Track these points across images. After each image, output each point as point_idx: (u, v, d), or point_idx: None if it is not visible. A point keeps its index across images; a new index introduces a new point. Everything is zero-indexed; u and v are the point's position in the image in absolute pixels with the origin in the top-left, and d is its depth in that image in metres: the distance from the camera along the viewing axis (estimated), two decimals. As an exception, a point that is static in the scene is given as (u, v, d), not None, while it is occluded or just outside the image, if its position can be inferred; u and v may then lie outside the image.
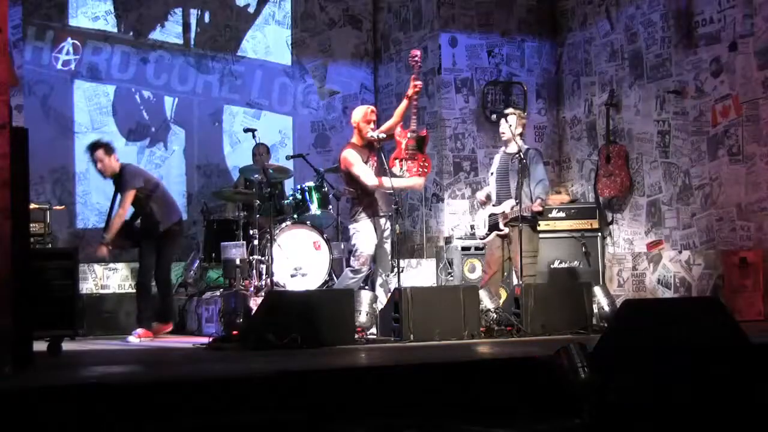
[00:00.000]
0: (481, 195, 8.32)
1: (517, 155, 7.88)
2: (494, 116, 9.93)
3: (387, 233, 7.86)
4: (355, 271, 7.74)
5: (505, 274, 8.18)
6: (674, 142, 9.26)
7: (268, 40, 11.08)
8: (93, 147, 8.19)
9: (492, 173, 8.23)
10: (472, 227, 9.33)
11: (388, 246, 7.89)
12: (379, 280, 7.87)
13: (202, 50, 10.75)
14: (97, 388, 4.37)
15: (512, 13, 10.59)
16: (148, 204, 8.16)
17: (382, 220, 7.83)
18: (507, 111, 8.25)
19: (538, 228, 8.12)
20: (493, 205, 8.09)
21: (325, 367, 5.08)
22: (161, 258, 8.24)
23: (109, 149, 8.15)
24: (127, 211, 8.09)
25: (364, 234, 7.75)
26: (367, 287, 7.92)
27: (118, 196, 8.07)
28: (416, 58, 7.82)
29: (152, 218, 8.16)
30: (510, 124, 8.00)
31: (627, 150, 9.70)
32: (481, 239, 8.28)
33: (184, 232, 8.91)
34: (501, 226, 7.95)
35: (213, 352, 6.56)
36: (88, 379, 4.81)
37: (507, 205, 7.93)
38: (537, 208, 7.85)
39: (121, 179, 8.11)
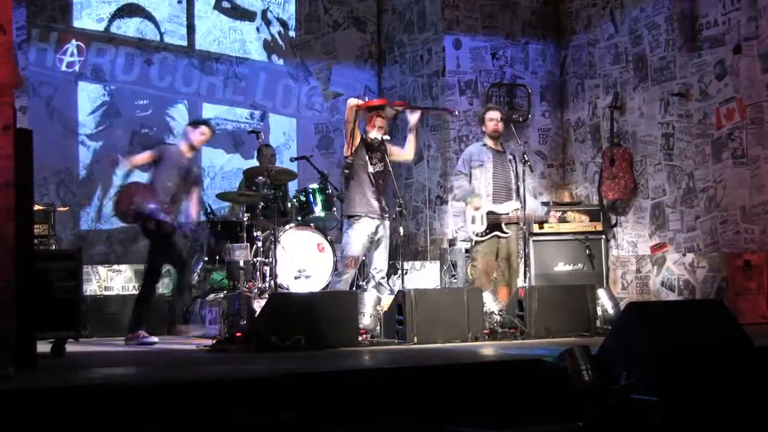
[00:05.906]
0: (476, 202, 8.01)
1: (512, 155, 8.05)
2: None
3: (380, 237, 7.79)
4: (339, 273, 7.69)
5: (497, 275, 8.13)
6: (678, 144, 9.25)
7: (272, 42, 11.08)
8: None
9: (487, 169, 8.08)
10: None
11: (383, 249, 7.81)
12: (372, 283, 7.75)
13: (206, 52, 10.75)
14: (100, 389, 4.37)
15: (516, 15, 10.58)
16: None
17: (375, 222, 7.77)
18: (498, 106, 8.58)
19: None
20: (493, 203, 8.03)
21: (329, 369, 5.07)
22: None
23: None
24: None
25: (353, 234, 7.72)
26: (362, 290, 7.84)
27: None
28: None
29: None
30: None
31: (631, 152, 9.69)
32: (477, 236, 7.98)
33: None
34: (504, 228, 7.95)
35: (216, 353, 6.56)
36: (91, 381, 4.81)
37: (510, 207, 7.93)
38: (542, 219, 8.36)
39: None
